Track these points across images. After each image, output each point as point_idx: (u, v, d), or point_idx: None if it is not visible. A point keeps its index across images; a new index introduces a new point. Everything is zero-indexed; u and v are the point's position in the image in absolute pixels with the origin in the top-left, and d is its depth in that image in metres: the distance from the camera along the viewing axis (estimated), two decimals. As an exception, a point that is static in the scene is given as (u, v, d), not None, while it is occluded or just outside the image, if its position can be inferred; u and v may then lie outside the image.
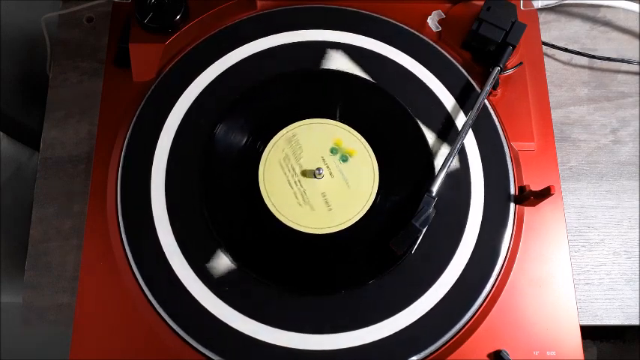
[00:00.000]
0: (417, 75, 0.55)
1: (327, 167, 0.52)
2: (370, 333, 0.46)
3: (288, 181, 0.51)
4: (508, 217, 0.50)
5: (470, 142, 0.53)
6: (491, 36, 0.54)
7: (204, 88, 0.54)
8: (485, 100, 0.54)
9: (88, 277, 0.48)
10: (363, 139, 0.53)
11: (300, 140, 0.53)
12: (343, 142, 0.53)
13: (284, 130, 0.53)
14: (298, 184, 0.51)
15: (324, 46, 0.56)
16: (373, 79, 0.55)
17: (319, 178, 0.51)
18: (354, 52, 0.56)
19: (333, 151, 0.52)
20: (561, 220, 0.52)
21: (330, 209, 0.50)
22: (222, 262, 0.48)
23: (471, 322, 0.48)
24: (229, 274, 0.48)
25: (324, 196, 0.51)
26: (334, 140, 0.53)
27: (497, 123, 0.54)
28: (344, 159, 0.52)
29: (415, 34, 0.57)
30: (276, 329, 0.46)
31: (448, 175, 0.50)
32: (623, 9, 0.64)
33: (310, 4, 0.58)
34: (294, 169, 0.52)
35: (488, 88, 0.52)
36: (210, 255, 0.49)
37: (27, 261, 0.55)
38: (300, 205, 0.50)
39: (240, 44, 0.56)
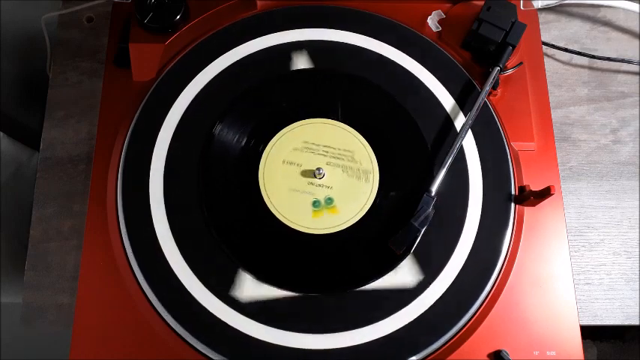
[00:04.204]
0: (417, 75, 0.55)
1: (327, 167, 0.52)
2: (370, 332, 0.46)
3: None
4: (508, 217, 0.50)
5: (469, 142, 0.53)
6: (492, 36, 0.54)
7: (204, 88, 0.54)
8: (485, 100, 0.54)
9: (88, 277, 0.48)
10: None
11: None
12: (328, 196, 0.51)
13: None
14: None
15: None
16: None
17: (319, 178, 0.51)
18: (354, 52, 0.56)
19: (316, 204, 0.51)
20: (561, 220, 0.52)
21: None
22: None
23: (471, 322, 0.48)
24: (229, 274, 0.48)
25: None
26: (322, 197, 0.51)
27: (497, 123, 0.54)
28: (329, 202, 0.50)
29: (415, 33, 0.57)
30: (276, 329, 0.46)
31: (448, 175, 0.50)
32: (623, 9, 0.64)
33: (310, 4, 0.58)
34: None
35: (488, 88, 0.52)
36: (209, 255, 0.49)
37: (27, 261, 0.55)
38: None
39: (239, 44, 0.56)
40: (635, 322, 0.55)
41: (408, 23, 0.58)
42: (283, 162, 0.52)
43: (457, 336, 0.47)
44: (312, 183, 0.51)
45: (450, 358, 0.46)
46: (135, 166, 0.51)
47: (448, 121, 0.54)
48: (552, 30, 0.65)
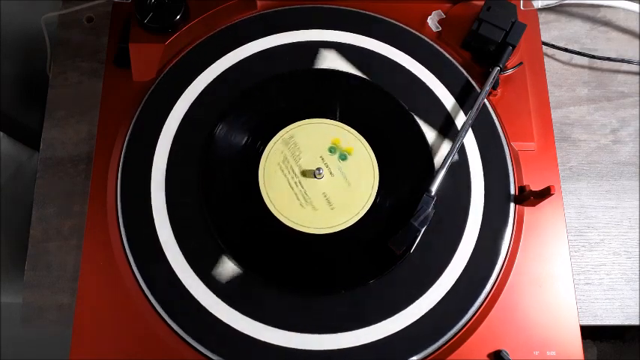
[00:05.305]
0: (417, 75, 0.55)
1: (327, 167, 0.52)
2: (370, 333, 0.46)
3: (289, 181, 0.51)
4: (508, 217, 0.50)
5: (470, 141, 0.53)
6: (492, 36, 0.54)
7: (204, 88, 0.54)
8: (485, 100, 0.54)
9: (88, 277, 0.48)
10: (363, 139, 0.53)
11: (300, 140, 0.53)
12: (341, 140, 0.53)
13: (284, 130, 0.53)
14: (298, 184, 0.51)
15: (323, 46, 0.56)
16: (373, 79, 0.55)
17: (319, 178, 0.51)
18: (354, 52, 0.56)
19: (332, 150, 0.52)
20: (561, 220, 0.52)
21: (331, 209, 0.50)
22: (223, 263, 0.48)
23: (471, 322, 0.48)
24: (229, 274, 0.48)
25: (325, 196, 0.51)
26: (332, 139, 0.53)
27: (497, 123, 0.54)
28: (343, 157, 0.52)
29: (415, 33, 0.57)
30: (276, 329, 0.46)
31: (448, 175, 0.50)
32: (623, 9, 0.64)
33: (310, 4, 0.58)
34: (294, 170, 0.52)
35: (488, 87, 0.52)
36: (210, 255, 0.49)
37: (27, 261, 0.55)
38: (301, 205, 0.50)
39: (240, 44, 0.56)
40: (635, 322, 0.55)
41: (407, 23, 0.58)
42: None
43: (457, 336, 0.47)
44: (312, 183, 0.51)
45: (450, 358, 0.46)
46: (135, 166, 0.51)
47: (448, 121, 0.54)
48: (552, 30, 0.65)
